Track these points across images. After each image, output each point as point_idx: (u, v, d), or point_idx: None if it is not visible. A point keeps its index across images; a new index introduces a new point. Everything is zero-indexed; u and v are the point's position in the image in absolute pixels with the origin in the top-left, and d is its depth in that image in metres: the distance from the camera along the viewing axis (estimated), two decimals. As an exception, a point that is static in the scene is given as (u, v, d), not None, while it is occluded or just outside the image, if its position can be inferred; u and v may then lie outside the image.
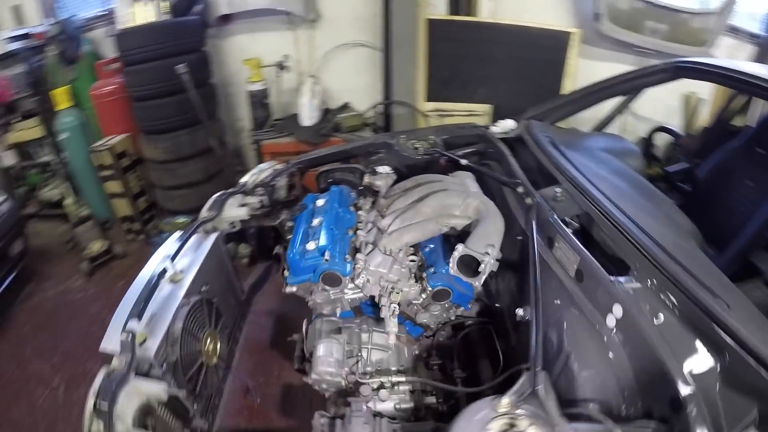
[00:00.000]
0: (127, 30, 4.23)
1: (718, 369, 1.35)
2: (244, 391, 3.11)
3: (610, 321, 1.52)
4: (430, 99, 4.68)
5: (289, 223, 2.48)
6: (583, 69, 4.44)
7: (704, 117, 5.01)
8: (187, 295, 2.09)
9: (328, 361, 2.02)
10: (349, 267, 2.03)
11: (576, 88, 3.15)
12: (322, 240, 2.11)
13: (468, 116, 4.58)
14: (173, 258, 2.21)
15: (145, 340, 1.82)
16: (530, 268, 1.79)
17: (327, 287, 2.07)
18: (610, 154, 2.57)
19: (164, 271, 2.11)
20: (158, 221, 4.98)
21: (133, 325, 1.81)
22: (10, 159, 5.40)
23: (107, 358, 1.72)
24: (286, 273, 2.16)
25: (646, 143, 3.17)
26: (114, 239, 4.92)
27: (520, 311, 1.77)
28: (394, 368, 2.15)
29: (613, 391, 1.48)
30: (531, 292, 1.72)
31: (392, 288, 2.04)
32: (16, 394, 3.46)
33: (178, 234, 2.50)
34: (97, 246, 4.63)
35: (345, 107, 4.91)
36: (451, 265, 1.91)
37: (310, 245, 2.11)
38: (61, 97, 4.71)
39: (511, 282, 2.12)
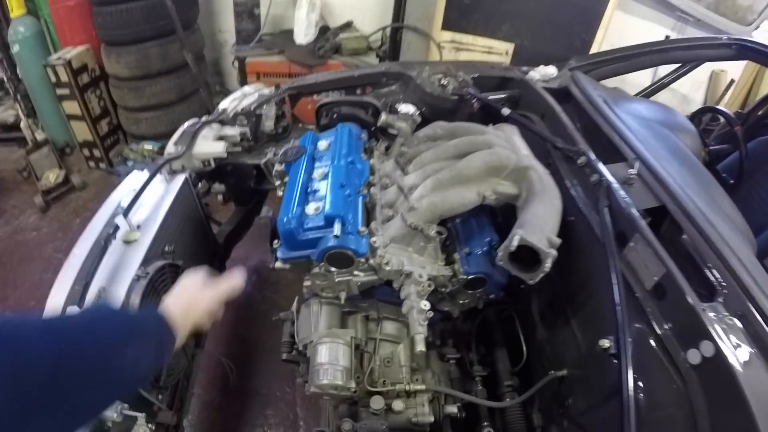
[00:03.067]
0: None
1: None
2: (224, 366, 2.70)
3: (693, 357, 1.22)
4: (446, 28, 4.22)
5: (278, 167, 1.96)
6: (618, 22, 4.14)
7: (730, 99, 4.98)
8: (146, 261, 1.74)
9: (334, 372, 1.55)
10: (365, 244, 1.51)
11: (629, 44, 2.84)
12: (330, 202, 1.57)
13: (486, 53, 4.19)
14: (127, 211, 1.83)
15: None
16: (612, 280, 1.39)
17: (333, 269, 1.54)
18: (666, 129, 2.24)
19: (116, 228, 1.74)
20: (122, 147, 4.43)
21: (72, 311, 1.47)
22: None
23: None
24: (276, 243, 1.61)
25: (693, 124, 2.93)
26: (73, 167, 4.43)
27: (605, 342, 1.38)
28: (404, 365, 1.75)
29: None
30: (618, 321, 1.33)
31: (420, 276, 1.55)
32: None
33: (134, 174, 2.10)
34: (52, 176, 4.10)
35: (347, 26, 4.31)
36: (500, 255, 1.48)
37: (311, 208, 1.57)
38: (13, 3, 4.08)
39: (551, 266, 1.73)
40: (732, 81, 4.96)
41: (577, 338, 1.64)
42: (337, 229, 1.43)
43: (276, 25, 4.44)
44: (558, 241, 1.46)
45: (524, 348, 1.91)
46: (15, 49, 4.15)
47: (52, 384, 0.67)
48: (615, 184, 1.60)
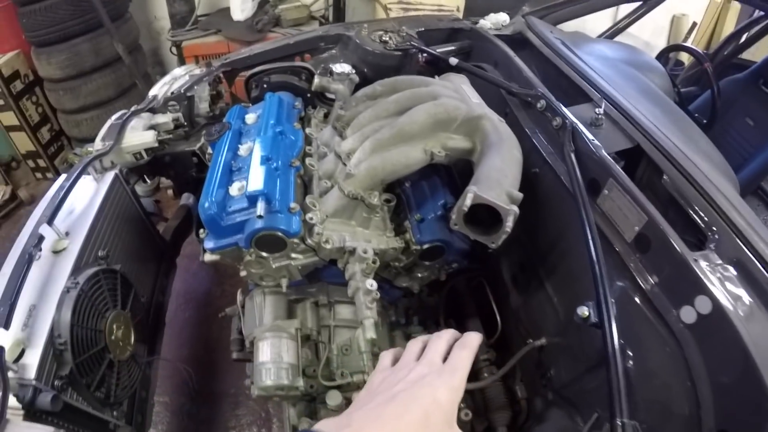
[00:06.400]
0: None
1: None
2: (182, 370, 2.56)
3: (687, 315, 1.12)
4: (393, -12, 4.07)
5: (210, 150, 1.79)
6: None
7: (693, 42, 4.97)
8: (76, 270, 1.60)
9: (278, 371, 1.39)
10: (297, 222, 1.34)
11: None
12: (254, 180, 1.38)
13: (437, 11, 4.08)
14: (52, 218, 1.66)
15: (22, 353, 1.34)
16: (586, 239, 1.25)
17: (265, 254, 1.37)
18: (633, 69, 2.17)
19: (41, 239, 1.57)
20: (67, 153, 4.24)
21: (-1, 336, 1.28)
22: None
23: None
24: (202, 233, 1.44)
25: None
26: (21, 182, 4.21)
27: (584, 311, 1.21)
28: (365, 351, 1.60)
29: (680, 408, 1.12)
30: (597, 285, 1.19)
31: (364, 251, 1.38)
32: None
33: (61, 179, 1.91)
34: (-1, 194, 3.90)
35: (287, -4, 4.15)
36: (454, 218, 1.31)
37: (235, 188, 1.40)
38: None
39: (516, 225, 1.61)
40: (694, 24, 4.94)
41: (554, 303, 1.54)
42: (260, 208, 1.26)
43: (212, 4, 4.22)
44: (519, 195, 1.31)
45: (498, 317, 1.80)
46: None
47: None
48: (581, 127, 1.47)
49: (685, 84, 3.44)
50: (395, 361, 0.93)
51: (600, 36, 3.03)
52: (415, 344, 0.93)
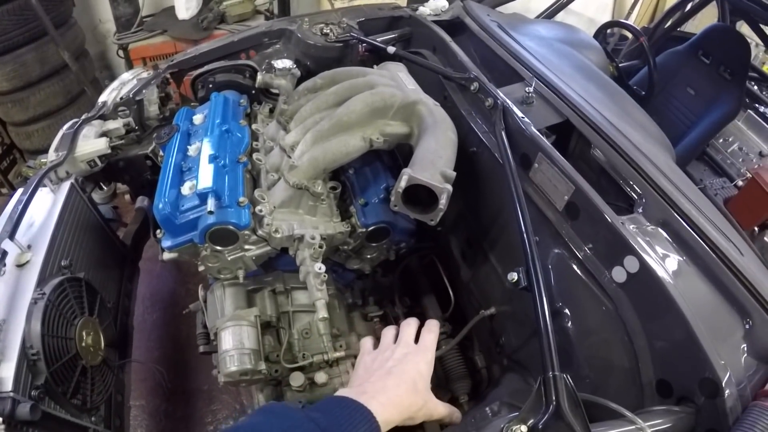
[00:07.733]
0: None
1: (743, 336, 1.10)
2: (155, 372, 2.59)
3: (618, 275, 1.20)
4: (338, -22, 4.04)
5: (161, 153, 1.83)
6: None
7: (637, 18, 5.11)
8: (41, 281, 1.62)
9: (240, 357, 1.47)
10: (246, 215, 1.42)
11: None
12: (203, 178, 1.46)
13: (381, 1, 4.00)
14: (13, 232, 1.67)
15: (-3, 366, 1.36)
16: (515, 209, 1.30)
17: (219, 248, 1.45)
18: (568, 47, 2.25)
19: (5, 254, 1.61)
20: (21, 166, 4.13)
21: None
22: None
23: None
24: (159, 234, 1.51)
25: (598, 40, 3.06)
26: None
27: (513, 276, 1.27)
28: (324, 333, 1.68)
29: (620, 362, 1.20)
30: (525, 250, 1.24)
31: (312, 237, 1.46)
32: None
33: (18, 193, 1.93)
34: (-50, 217, 3.77)
35: (232, -8, 4.10)
36: (393, 200, 1.38)
37: (187, 188, 1.47)
38: None
39: (458, 201, 1.68)
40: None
41: (499, 273, 1.61)
42: (210, 204, 1.34)
43: (157, 4, 4.16)
44: (453, 174, 1.37)
45: (451, 292, 1.86)
46: None
47: None
48: (511, 105, 1.53)
49: (628, 58, 3.53)
50: (376, 344, 1.20)
51: (542, 14, 3.09)
52: (389, 331, 1.21)
